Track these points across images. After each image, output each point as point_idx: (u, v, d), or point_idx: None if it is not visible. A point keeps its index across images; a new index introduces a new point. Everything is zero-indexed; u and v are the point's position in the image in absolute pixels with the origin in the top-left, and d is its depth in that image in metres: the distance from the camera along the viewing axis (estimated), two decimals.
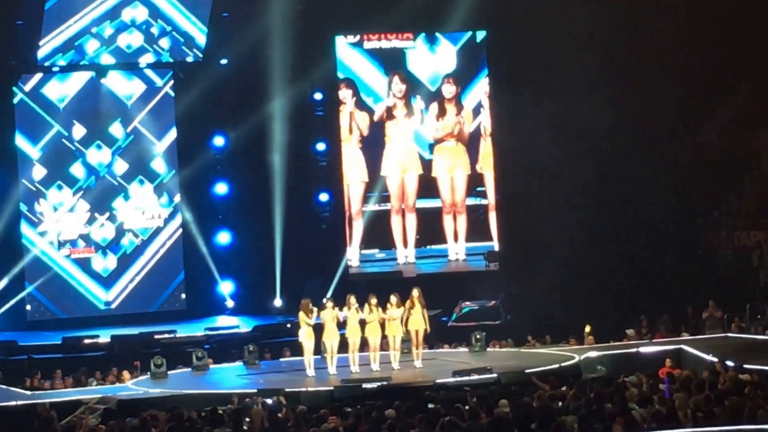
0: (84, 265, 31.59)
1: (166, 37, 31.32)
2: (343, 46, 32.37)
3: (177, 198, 32.17)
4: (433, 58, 32.71)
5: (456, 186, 32.73)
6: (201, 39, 31.34)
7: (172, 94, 32.08)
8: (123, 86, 31.84)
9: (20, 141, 31.12)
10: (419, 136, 32.56)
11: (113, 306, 31.71)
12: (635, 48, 30.77)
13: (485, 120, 32.69)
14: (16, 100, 31.07)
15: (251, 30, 30.93)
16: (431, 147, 32.61)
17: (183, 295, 32.15)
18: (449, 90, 32.55)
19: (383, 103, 32.30)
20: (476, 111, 32.68)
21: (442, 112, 32.53)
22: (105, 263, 31.70)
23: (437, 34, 32.65)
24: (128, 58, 31.42)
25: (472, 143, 32.75)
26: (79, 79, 31.50)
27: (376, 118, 32.20)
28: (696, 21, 30.58)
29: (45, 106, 31.30)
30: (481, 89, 32.76)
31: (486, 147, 32.71)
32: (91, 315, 31.25)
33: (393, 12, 31.18)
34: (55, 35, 30.27)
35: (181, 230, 32.19)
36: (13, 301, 30.57)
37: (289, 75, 31.23)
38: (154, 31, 31.21)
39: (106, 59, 31.28)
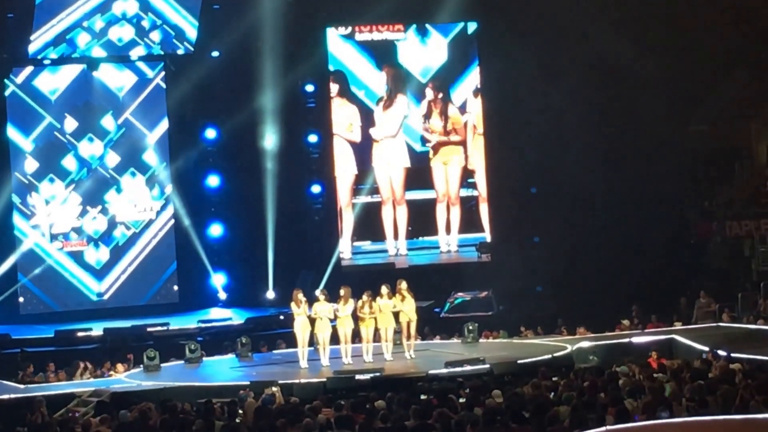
0: (77, 257, 31.63)
1: (157, 30, 31.31)
2: (335, 38, 32.37)
3: (168, 190, 32.15)
4: (424, 50, 32.71)
5: (450, 178, 32.74)
6: (192, 33, 31.33)
7: (164, 85, 32.07)
8: (114, 78, 31.83)
9: (12, 133, 31.09)
10: (410, 129, 32.57)
11: (106, 297, 31.72)
12: (629, 40, 30.78)
13: (474, 117, 32.68)
14: (7, 93, 31.04)
15: (242, 22, 30.91)
16: (422, 140, 32.65)
17: (175, 287, 32.16)
18: (431, 95, 32.53)
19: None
20: (462, 108, 32.63)
21: (428, 114, 32.56)
22: (98, 255, 31.72)
23: (428, 26, 32.66)
24: (119, 51, 31.41)
25: (463, 140, 32.79)
26: (70, 71, 31.48)
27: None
28: (687, 10, 30.60)
29: (36, 98, 31.27)
30: (471, 82, 32.75)
31: (476, 142, 32.70)
32: (84, 308, 31.24)
33: (384, 3, 31.16)
34: (46, 29, 30.25)
35: (173, 222, 32.20)
36: (5, 294, 30.58)
37: (281, 67, 31.20)
38: (145, 24, 31.21)
39: (98, 52, 31.25)
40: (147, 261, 32.05)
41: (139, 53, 31.65)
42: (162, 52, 31.75)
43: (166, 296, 32.11)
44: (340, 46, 32.40)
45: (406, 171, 32.57)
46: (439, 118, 32.56)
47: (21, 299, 31.06)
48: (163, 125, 32.14)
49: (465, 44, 32.84)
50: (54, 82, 31.35)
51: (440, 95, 32.59)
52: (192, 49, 31.63)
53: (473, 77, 32.77)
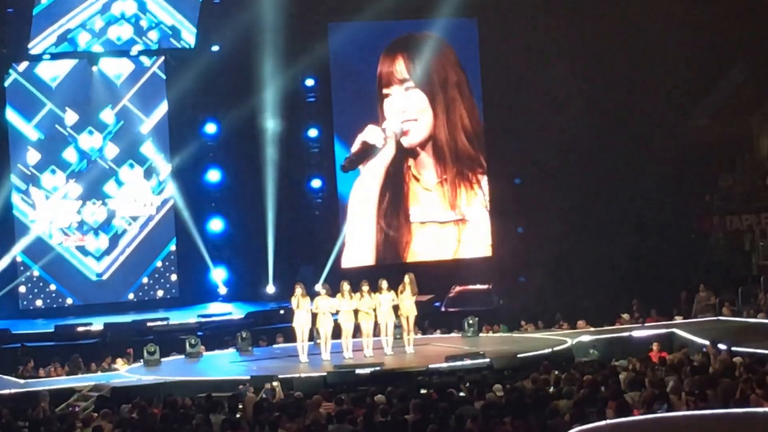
0: (77, 246, 31.68)
1: (155, 29, 31.29)
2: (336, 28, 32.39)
3: (168, 184, 32.15)
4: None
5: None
6: (189, 38, 31.30)
7: (162, 75, 32.01)
8: (112, 66, 31.80)
9: (16, 121, 31.03)
10: None
11: (104, 277, 31.67)
12: (628, 34, 30.77)
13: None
14: (9, 81, 31.00)
15: (243, 16, 30.85)
16: None
17: (174, 276, 32.10)
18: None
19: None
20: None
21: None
22: (97, 243, 31.71)
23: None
24: (119, 48, 31.42)
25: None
26: (70, 61, 31.46)
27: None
28: (688, 4, 30.59)
29: (38, 84, 31.22)
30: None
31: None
32: (84, 301, 31.27)
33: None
34: (47, 35, 30.24)
35: (173, 217, 32.18)
36: (9, 287, 30.59)
37: (281, 61, 31.14)
38: (143, 24, 31.20)
39: (97, 50, 31.25)
40: (145, 244, 32.01)
41: (138, 50, 31.67)
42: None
43: (164, 284, 32.07)
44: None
45: None
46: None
47: (22, 289, 31.00)
48: (161, 114, 32.03)
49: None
50: (55, 69, 31.30)
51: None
52: (190, 47, 31.61)
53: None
